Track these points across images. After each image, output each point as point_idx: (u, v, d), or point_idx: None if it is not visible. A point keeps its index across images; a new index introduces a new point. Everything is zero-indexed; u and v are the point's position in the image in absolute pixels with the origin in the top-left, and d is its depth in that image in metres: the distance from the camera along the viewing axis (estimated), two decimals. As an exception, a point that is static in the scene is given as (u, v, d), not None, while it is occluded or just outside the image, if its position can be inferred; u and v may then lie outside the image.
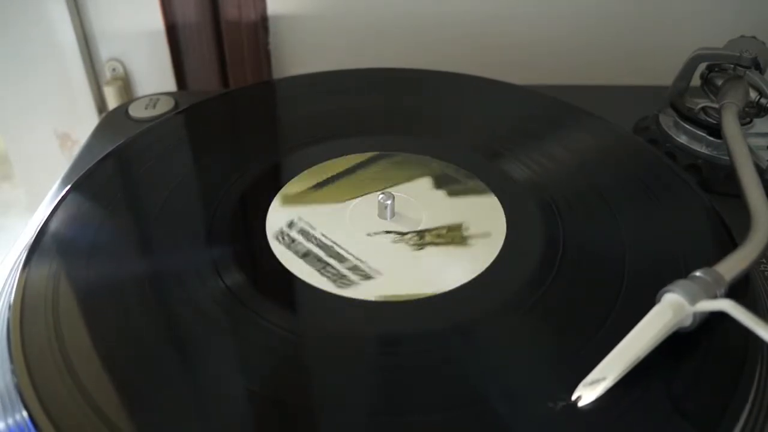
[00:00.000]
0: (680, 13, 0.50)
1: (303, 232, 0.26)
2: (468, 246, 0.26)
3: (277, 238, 0.26)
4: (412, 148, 0.32)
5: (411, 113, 0.36)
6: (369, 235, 0.27)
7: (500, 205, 0.28)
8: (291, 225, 0.27)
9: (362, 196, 0.29)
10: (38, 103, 0.53)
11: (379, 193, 0.28)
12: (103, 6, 0.51)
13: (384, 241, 0.27)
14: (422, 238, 0.27)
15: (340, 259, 0.26)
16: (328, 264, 0.25)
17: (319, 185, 0.30)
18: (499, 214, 0.28)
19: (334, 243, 0.26)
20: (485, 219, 0.28)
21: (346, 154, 0.32)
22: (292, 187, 0.29)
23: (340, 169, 0.31)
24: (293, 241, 0.26)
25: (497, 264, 0.25)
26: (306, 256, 0.25)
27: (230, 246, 0.26)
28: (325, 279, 0.25)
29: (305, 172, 0.31)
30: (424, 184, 0.30)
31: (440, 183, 0.30)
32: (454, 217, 0.28)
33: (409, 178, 0.30)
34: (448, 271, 0.25)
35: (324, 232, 0.27)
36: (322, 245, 0.26)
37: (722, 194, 0.32)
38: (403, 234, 0.27)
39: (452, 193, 0.29)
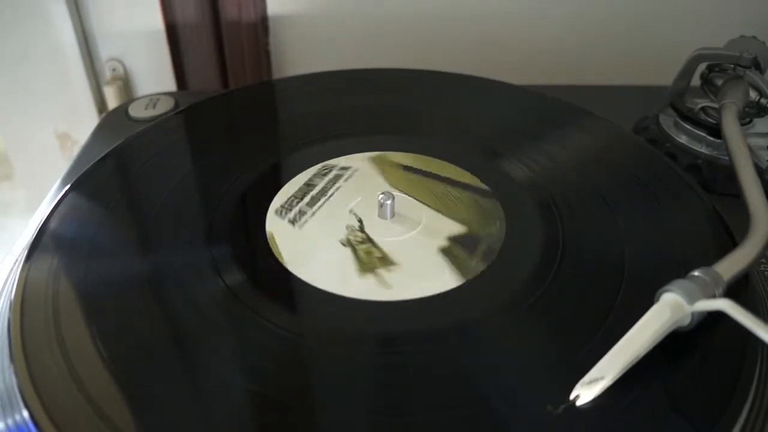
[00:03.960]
0: (680, 13, 0.50)
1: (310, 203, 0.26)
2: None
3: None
4: (411, 148, 0.32)
5: (411, 113, 0.36)
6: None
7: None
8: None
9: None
10: (38, 103, 0.53)
11: (379, 193, 0.28)
12: (103, 6, 0.51)
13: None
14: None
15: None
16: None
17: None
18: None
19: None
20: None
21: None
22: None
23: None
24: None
25: (497, 264, 0.25)
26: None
27: (230, 246, 0.26)
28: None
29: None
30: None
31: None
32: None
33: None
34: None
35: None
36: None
37: (722, 194, 0.32)
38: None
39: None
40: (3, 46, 0.51)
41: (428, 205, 0.29)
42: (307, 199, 0.29)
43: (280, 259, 0.26)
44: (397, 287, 0.24)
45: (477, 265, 0.25)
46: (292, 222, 0.27)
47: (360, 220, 0.28)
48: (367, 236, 0.27)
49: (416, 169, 0.31)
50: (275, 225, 0.27)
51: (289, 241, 0.27)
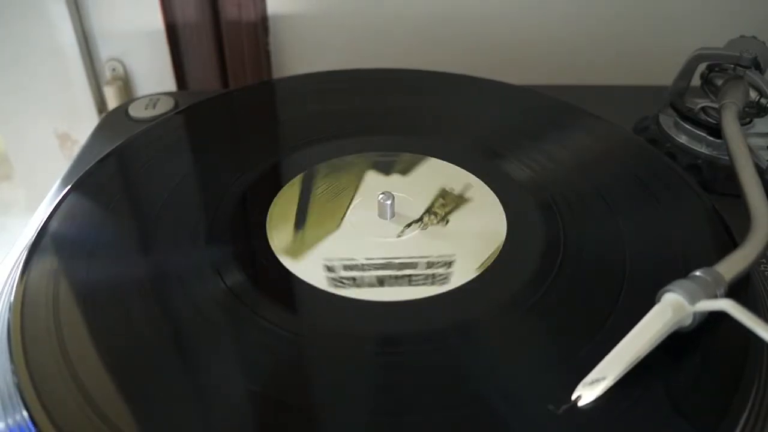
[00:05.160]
0: (680, 13, 0.50)
1: (349, 268, 0.25)
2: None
3: (336, 285, 0.24)
4: (412, 148, 0.32)
5: (411, 113, 0.36)
6: (399, 236, 0.27)
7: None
8: (331, 269, 0.25)
9: (347, 209, 0.29)
10: (38, 103, 0.53)
11: (379, 194, 0.28)
12: (103, 6, 0.51)
13: (414, 232, 0.27)
14: (440, 216, 0.27)
15: (412, 266, 0.25)
16: (409, 276, 0.25)
17: (300, 223, 0.28)
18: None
19: (386, 258, 0.26)
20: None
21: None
22: (279, 238, 0.27)
23: (296, 197, 0.29)
24: (354, 279, 0.24)
25: (497, 264, 0.25)
26: (382, 283, 0.24)
27: (230, 246, 0.26)
28: (422, 287, 0.24)
29: (271, 217, 0.28)
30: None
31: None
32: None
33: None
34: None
35: (366, 256, 0.26)
36: (381, 266, 0.25)
37: (722, 194, 0.32)
38: (420, 219, 0.27)
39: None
40: (3, 46, 0.50)
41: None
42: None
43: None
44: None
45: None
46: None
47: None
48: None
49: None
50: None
51: (289, 240, 0.27)
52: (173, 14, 0.50)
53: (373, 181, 0.30)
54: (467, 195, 0.29)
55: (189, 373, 0.21)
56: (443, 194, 0.29)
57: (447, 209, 0.28)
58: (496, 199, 0.29)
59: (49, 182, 0.35)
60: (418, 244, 0.26)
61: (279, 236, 0.27)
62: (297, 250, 0.26)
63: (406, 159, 0.32)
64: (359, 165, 0.31)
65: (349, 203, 0.29)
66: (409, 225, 0.27)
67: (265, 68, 0.53)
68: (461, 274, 0.25)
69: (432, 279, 0.24)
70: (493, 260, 0.25)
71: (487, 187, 0.29)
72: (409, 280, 0.24)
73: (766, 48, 0.34)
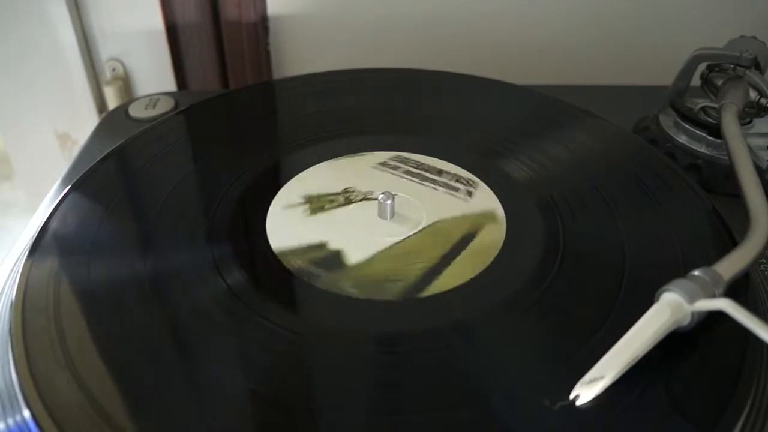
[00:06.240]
0: (680, 13, 0.50)
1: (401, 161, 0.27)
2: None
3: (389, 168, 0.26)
4: (412, 147, 0.32)
5: (411, 113, 0.36)
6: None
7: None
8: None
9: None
10: (38, 103, 0.53)
11: (379, 193, 0.28)
12: (103, 6, 0.51)
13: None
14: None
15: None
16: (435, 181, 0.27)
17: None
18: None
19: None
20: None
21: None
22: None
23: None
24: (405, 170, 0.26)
25: (497, 263, 0.25)
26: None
27: (231, 245, 0.26)
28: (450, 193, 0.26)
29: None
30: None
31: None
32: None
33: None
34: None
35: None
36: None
37: (722, 194, 0.32)
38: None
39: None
40: (3, 46, 0.51)
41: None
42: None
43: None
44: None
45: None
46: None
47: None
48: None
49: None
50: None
51: (289, 239, 0.27)
52: (173, 14, 0.50)
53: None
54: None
55: (189, 372, 0.21)
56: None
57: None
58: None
59: (49, 182, 0.35)
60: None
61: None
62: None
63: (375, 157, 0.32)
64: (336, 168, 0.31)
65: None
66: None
67: (265, 68, 0.53)
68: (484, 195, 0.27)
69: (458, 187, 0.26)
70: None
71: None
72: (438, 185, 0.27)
73: (766, 48, 0.34)
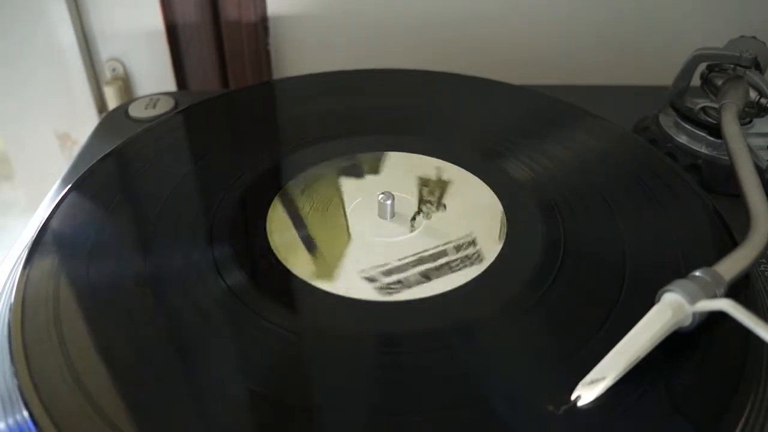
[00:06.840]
0: (680, 13, 0.50)
1: (389, 273, 0.25)
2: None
3: (387, 293, 0.24)
4: (412, 147, 0.32)
5: (411, 113, 0.36)
6: (411, 231, 0.27)
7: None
8: (372, 279, 0.25)
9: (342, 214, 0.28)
10: (38, 103, 0.53)
11: (379, 193, 0.28)
12: (103, 6, 0.51)
13: (423, 224, 0.28)
14: (435, 203, 0.28)
15: (443, 254, 0.26)
16: (447, 263, 0.25)
17: (311, 247, 0.26)
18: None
19: (415, 253, 0.26)
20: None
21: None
22: (297, 262, 0.26)
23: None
24: (401, 282, 0.24)
25: (497, 264, 0.25)
26: (428, 277, 0.25)
27: (231, 246, 0.26)
28: (464, 270, 0.25)
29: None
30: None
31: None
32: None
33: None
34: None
35: (396, 258, 0.26)
36: (416, 262, 0.25)
37: (722, 194, 0.32)
38: (420, 211, 0.28)
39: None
40: (3, 46, 0.51)
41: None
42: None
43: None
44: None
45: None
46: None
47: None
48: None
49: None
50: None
51: (312, 266, 0.26)
52: (173, 14, 0.50)
53: (352, 186, 0.30)
54: (444, 177, 0.30)
55: (189, 372, 0.21)
56: (424, 182, 0.30)
57: (437, 195, 0.29)
58: (473, 176, 0.30)
59: (49, 182, 0.35)
60: (433, 233, 0.27)
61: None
62: (326, 272, 0.25)
63: (367, 158, 0.32)
64: (328, 175, 0.31)
65: (344, 212, 0.28)
66: (413, 218, 0.28)
67: (265, 68, 0.53)
68: (489, 247, 0.26)
69: (468, 260, 0.25)
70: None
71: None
72: (450, 267, 0.25)
73: (766, 48, 0.34)
